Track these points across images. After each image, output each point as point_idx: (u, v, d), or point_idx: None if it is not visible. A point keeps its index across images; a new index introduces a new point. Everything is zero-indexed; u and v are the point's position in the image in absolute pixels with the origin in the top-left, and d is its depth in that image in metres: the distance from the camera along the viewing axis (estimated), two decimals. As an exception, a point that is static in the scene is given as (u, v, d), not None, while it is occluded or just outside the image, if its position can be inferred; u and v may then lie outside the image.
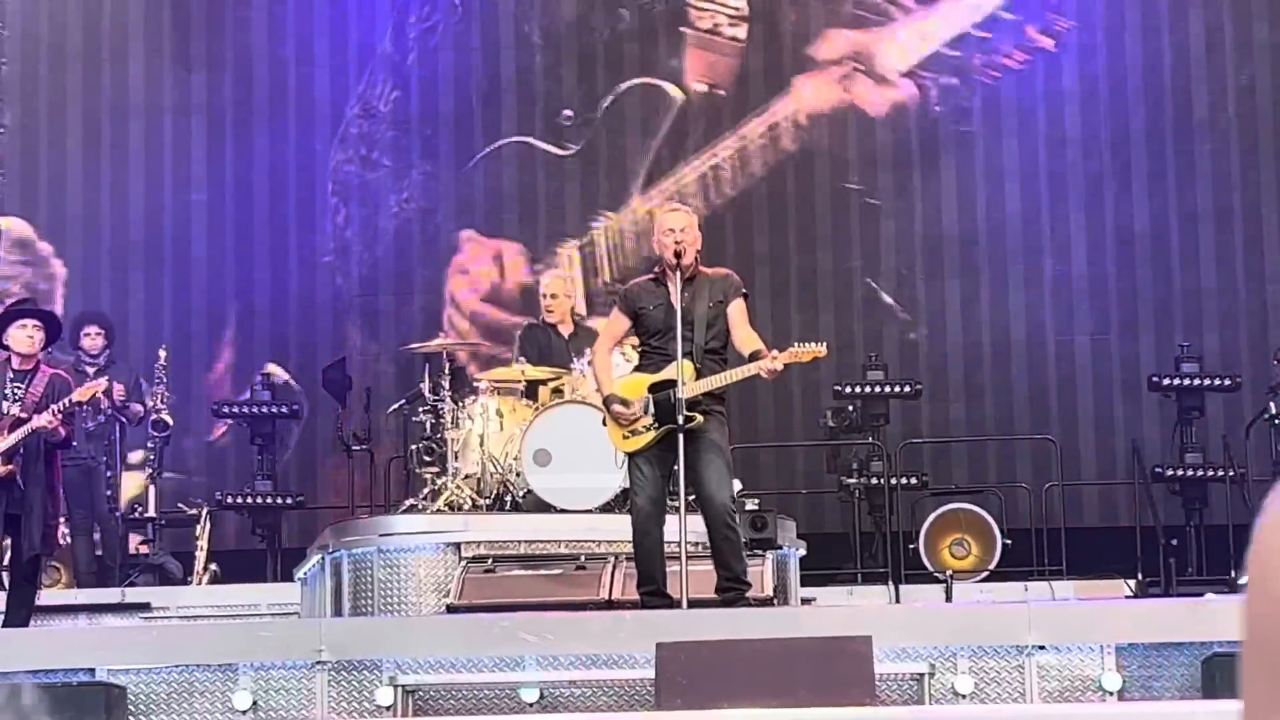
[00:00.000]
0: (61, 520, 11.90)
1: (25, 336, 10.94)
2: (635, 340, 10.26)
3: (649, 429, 9.79)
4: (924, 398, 15.60)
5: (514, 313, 15.76)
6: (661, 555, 9.85)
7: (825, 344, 10.27)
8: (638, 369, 10.13)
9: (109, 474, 13.86)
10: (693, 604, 9.61)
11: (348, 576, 11.51)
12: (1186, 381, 15.01)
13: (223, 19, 17.03)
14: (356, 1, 17.12)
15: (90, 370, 13.79)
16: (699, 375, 9.77)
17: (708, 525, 9.75)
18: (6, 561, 11.53)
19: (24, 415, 10.74)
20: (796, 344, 9.99)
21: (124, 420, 13.93)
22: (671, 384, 9.73)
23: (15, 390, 10.83)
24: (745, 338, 9.83)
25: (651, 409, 9.77)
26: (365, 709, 9.27)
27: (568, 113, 16.71)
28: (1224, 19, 16.87)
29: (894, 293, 16.68)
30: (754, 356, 9.70)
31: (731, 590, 9.77)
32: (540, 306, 12.71)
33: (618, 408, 9.80)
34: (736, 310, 9.88)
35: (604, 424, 9.98)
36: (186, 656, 9.45)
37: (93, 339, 13.91)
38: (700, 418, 9.70)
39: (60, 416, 10.66)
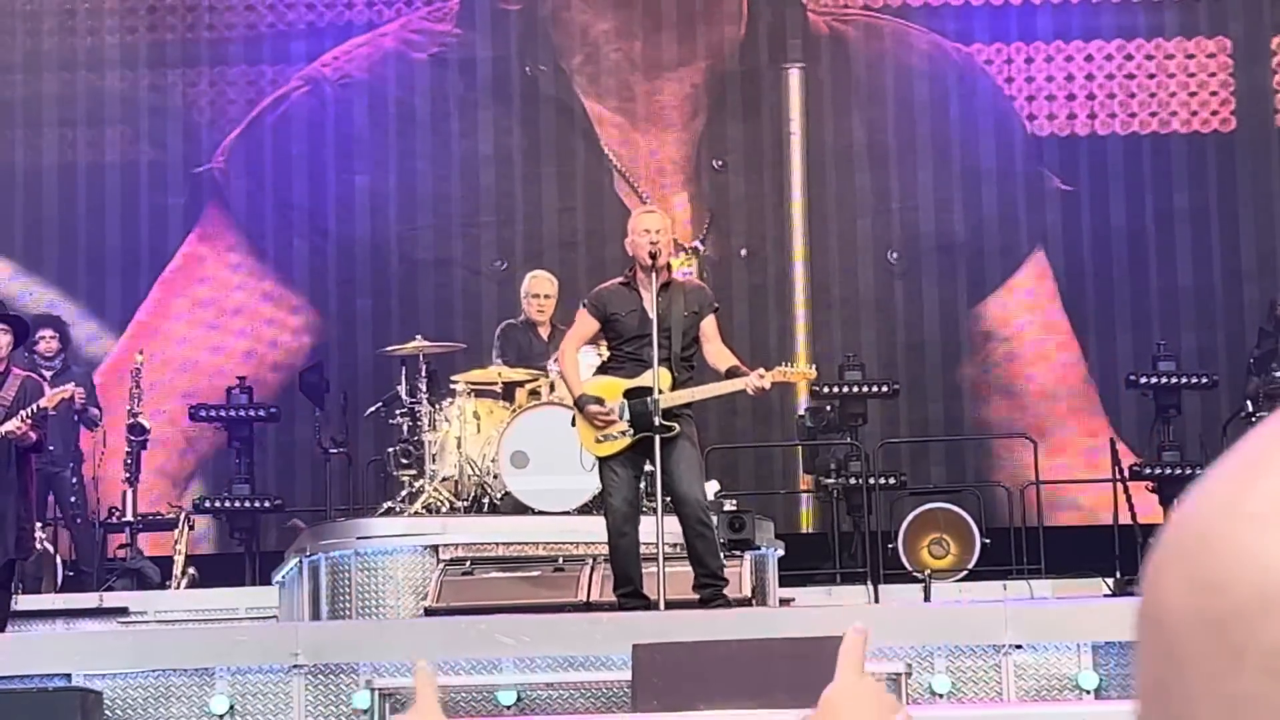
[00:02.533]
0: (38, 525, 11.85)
1: None
2: (605, 340, 10.25)
3: (623, 435, 9.78)
4: (902, 397, 15.61)
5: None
6: (638, 557, 9.85)
7: (815, 367, 10.38)
8: (604, 371, 10.10)
9: (74, 480, 13.85)
10: (669, 605, 9.61)
11: (325, 580, 11.49)
12: (1164, 380, 15.02)
13: (199, 20, 17.00)
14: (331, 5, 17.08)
15: (47, 374, 13.80)
16: (675, 383, 9.76)
17: (681, 523, 9.74)
18: None
19: None
20: (785, 364, 10.01)
21: (85, 425, 13.92)
22: (647, 391, 9.72)
23: None
24: (718, 352, 9.83)
25: (627, 414, 9.76)
26: (342, 712, 9.26)
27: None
28: (1199, 18, 16.92)
29: (872, 291, 16.68)
30: (731, 372, 9.70)
31: (708, 588, 9.76)
32: (523, 306, 12.65)
33: (593, 407, 9.78)
34: (710, 325, 9.90)
35: (573, 424, 9.97)
36: (163, 661, 9.44)
37: (48, 343, 13.95)
38: (677, 425, 9.70)
39: (29, 423, 10.63)
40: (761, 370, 9.69)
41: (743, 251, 16.72)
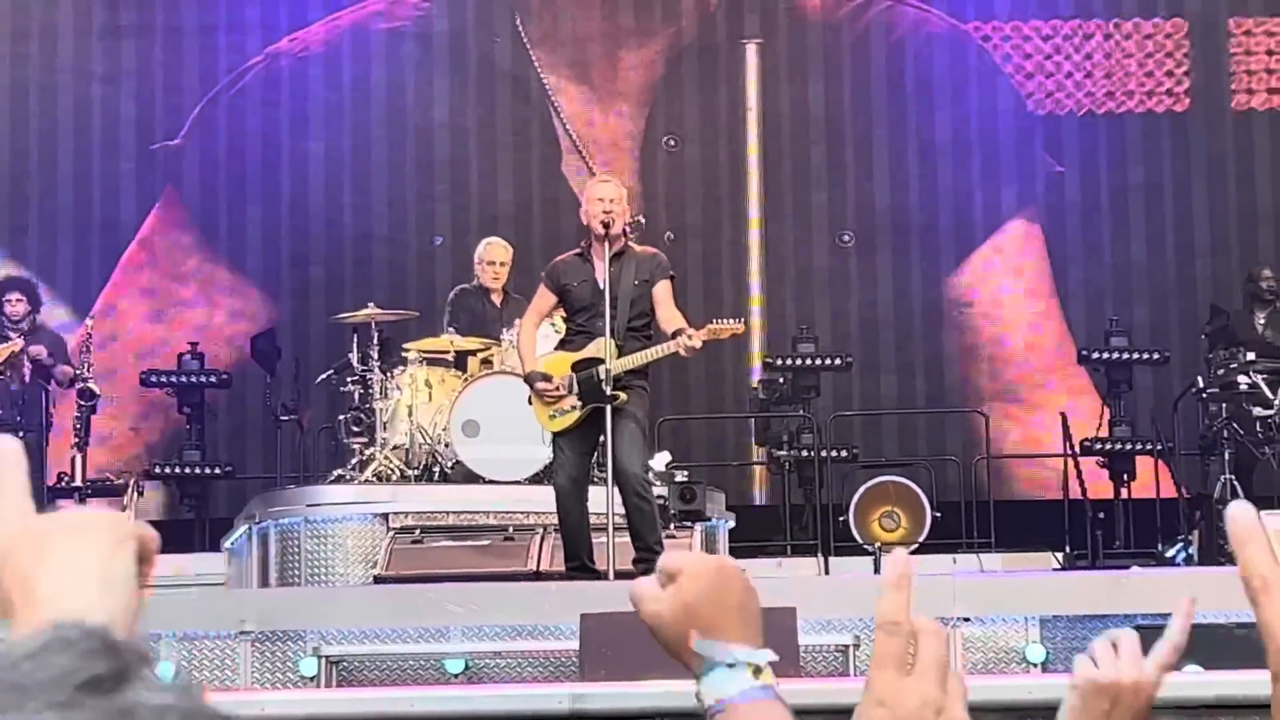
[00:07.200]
0: None
1: None
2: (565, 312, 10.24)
3: (574, 408, 9.79)
4: (855, 370, 15.61)
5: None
6: (585, 532, 9.85)
7: (742, 321, 10.32)
8: (560, 346, 10.11)
9: (23, 438, 13.75)
10: (619, 575, 9.61)
11: (275, 547, 11.47)
12: (1115, 355, 15.05)
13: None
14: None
15: (14, 336, 13.74)
16: (621, 353, 9.76)
17: (621, 495, 9.74)
18: None
19: None
20: (715, 321, 10.00)
21: (54, 381, 13.85)
22: (594, 362, 9.72)
23: None
24: (669, 317, 9.83)
25: (575, 387, 9.76)
26: (289, 679, 9.24)
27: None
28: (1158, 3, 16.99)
29: (827, 264, 16.68)
30: (676, 335, 9.70)
31: (644, 561, 9.74)
32: (476, 272, 12.58)
33: (540, 384, 9.80)
34: (663, 290, 9.88)
35: (529, 403, 9.96)
36: (109, 626, 9.38)
37: (14, 305, 13.88)
38: (623, 395, 9.69)
39: None
40: (690, 331, 9.69)
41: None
